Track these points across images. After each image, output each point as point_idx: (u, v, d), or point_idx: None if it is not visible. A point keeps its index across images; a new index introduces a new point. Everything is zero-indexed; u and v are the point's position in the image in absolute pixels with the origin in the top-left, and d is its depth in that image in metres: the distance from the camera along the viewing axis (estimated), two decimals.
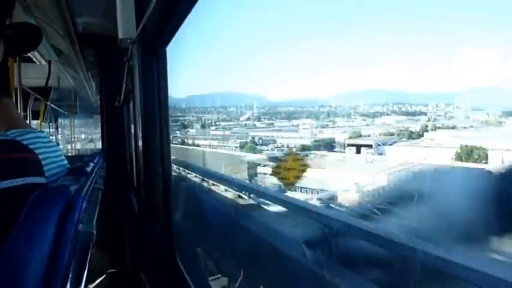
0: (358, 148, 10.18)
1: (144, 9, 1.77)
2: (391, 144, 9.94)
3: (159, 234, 2.19)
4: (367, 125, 10.94)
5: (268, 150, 11.62)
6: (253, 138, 12.09)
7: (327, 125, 11.63)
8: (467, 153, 7.91)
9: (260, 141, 11.96)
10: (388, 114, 10.60)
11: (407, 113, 10.55)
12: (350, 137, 10.59)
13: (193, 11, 1.59)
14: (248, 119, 12.61)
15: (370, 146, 10.06)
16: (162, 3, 1.54)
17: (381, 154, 9.68)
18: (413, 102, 10.47)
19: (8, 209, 0.80)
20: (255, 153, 11.46)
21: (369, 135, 10.52)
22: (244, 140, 12.11)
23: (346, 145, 10.42)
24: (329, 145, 10.83)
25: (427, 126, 9.79)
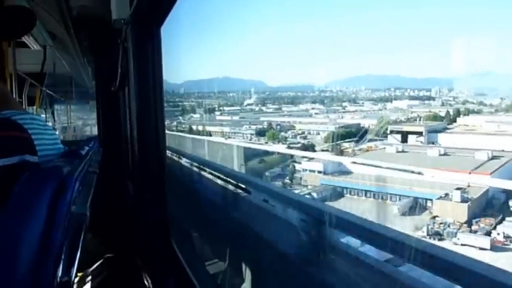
0: (404, 136, 8.87)
1: None
2: (440, 131, 8.21)
3: (154, 219, 2.20)
4: (380, 109, 10.32)
5: (289, 137, 10.67)
6: (270, 124, 11.14)
7: (338, 110, 10.96)
8: None
9: (278, 127, 11.05)
10: (395, 99, 10.08)
11: (414, 98, 10.01)
12: (382, 123, 9.62)
13: None
14: (252, 103, 12.00)
15: (420, 134, 8.80)
16: None
17: (433, 143, 8.34)
18: (414, 87, 10.09)
19: (0, 186, 0.80)
20: (278, 142, 10.49)
21: (398, 121, 9.55)
22: (259, 126, 11.18)
23: (389, 132, 9.15)
24: (363, 132, 9.76)
25: (458, 110, 8.81)
